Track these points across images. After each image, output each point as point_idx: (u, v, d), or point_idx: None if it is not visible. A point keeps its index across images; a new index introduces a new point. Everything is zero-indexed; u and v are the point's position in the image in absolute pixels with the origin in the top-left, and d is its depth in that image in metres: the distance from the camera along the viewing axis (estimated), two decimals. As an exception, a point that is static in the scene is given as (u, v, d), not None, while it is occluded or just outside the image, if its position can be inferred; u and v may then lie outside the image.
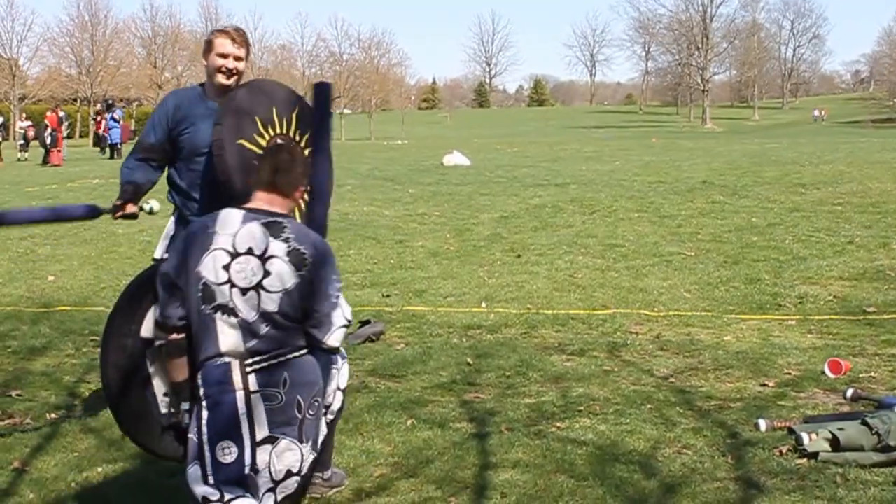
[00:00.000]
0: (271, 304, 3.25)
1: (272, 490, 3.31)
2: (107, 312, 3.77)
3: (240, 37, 4.50)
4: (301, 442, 3.34)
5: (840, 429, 4.50)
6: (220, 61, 4.42)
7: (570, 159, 24.88)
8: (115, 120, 34.31)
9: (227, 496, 3.25)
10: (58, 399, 5.73)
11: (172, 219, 4.63)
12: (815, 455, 4.41)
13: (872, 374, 5.86)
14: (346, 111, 63.08)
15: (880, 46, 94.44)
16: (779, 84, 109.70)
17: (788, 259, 9.69)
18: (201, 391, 3.30)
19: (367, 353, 6.67)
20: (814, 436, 4.52)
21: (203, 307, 3.28)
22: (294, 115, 4.34)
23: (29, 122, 38.01)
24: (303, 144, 4.20)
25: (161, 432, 3.61)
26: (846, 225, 11.58)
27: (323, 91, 4.13)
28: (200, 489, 3.28)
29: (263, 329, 3.25)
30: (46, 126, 31.18)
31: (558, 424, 5.07)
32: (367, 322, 7.22)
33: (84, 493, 4.30)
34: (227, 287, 3.26)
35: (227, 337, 3.26)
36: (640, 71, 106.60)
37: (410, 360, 6.46)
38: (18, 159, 32.90)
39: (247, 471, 3.26)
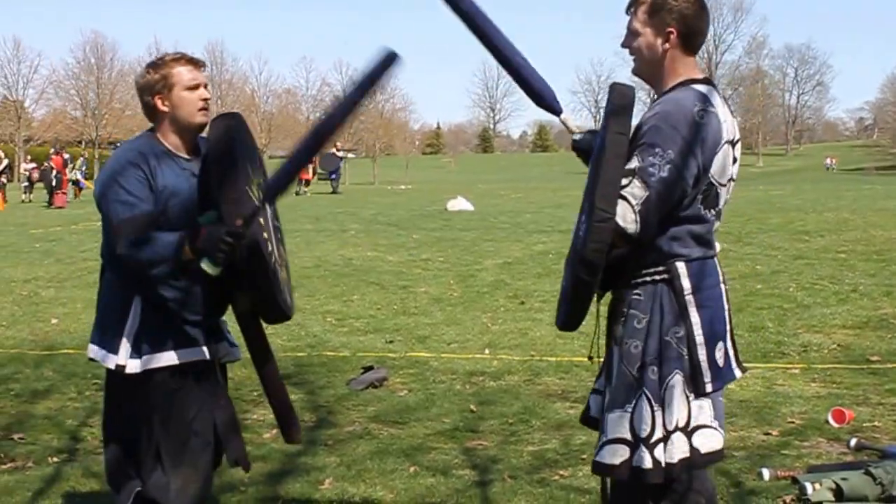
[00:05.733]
0: None
1: None
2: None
3: (200, 60, 3.68)
4: None
5: (844, 478, 4.46)
6: (195, 94, 3.54)
7: (574, 205, 24.54)
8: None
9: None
10: (60, 443, 5.72)
11: (139, 308, 3.48)
12: (818, 505, 4.38)
13: (876, 423, 5.84)
14: (350, 155, 63.43)
15: (884, 94, 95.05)
16: (782, 131, 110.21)
17: (792, 307, 9.69)
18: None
19: (369, 399, 6.66)
20: (817, 485, 4.48)
21: None
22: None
23: (33, 165, 38.30)
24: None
25: None
26: (850, 273, 11.58)
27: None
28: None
29: None
30: (52, 168, 31.32)
31: (561, 472, 5.05)
32: (370, 368, 7.22)
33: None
34: None
35: None
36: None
37: (413, 406, 6.45)
38: (22, 201, 33.10)
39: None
